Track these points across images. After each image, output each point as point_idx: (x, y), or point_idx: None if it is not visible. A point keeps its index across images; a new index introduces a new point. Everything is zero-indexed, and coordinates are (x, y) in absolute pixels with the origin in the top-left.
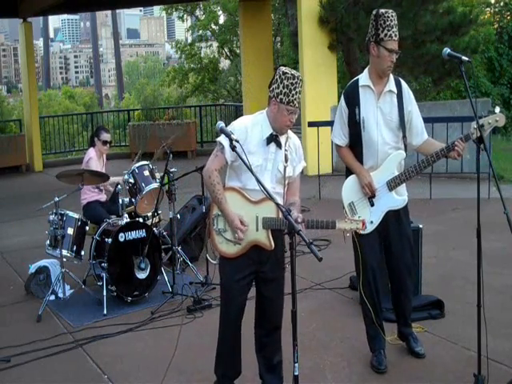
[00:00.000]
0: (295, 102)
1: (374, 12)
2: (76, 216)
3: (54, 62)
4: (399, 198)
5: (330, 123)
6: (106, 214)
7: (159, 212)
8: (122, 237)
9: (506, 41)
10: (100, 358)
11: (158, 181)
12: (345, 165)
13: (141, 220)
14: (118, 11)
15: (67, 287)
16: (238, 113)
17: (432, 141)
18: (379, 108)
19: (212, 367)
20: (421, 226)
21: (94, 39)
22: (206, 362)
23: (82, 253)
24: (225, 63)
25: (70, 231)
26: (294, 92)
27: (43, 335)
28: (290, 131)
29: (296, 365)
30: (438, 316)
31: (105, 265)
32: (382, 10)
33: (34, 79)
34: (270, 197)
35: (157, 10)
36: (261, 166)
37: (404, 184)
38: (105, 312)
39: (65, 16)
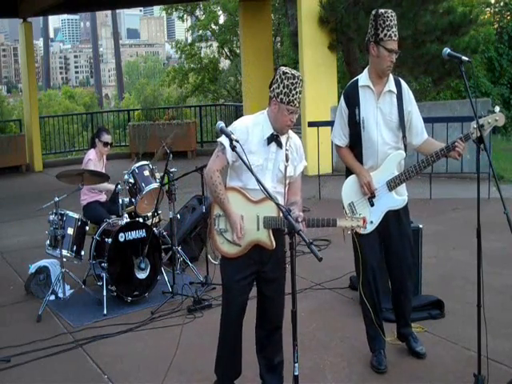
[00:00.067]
0: (296, 101)
1: (373, 12)
2: (76, 216)
3: (53, 62)
4: (399, 198)
5: (330, 123)
6: (106, 214)
7: (159, 212)
8: (121, 237)
9: (506, 41)
10: (100, 358)
11: (158, 181)
12: (345, 165)
13: (141, 220)
14: (118, 11)
15: (67, 287)
16: (238, 113)
17: (432, 140)
18: (379, 108)
19: (212, 367)
20: (421, 225)
21: (94, 39)
22: (206, 361)
23: (82, 253)
24: (225, 63)
25: (70, 231)
26: (294, 92)
27: (43, 335)
28: (290, 131)
29: (296, 365)
30: (438, 316)
31: (105, 265)
32: (382, 10)
33: (34, 79)
34: (269, 197)
35: (157, 9)
36: (262, 165)
37: (404, 184)
38: (105, 312)
39: (65, 16)
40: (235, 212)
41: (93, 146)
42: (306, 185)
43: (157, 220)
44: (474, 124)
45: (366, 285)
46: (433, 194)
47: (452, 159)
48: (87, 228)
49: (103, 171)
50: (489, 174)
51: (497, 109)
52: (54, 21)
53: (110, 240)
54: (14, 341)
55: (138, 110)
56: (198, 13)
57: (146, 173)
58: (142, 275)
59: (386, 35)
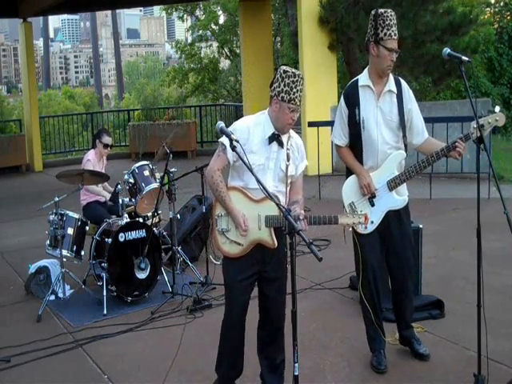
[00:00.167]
0: (296, 99)
1: (372, 12)
2: (76, 216)
3: (54, 62)
4: (399, 198)
5: (330, 123)
6: (107, 214)
7: (159, 212)
8: (122, 237)
9: (506, 41)
10: (100, 358)
11: (157, 181)
12: (345, 165)
13: (141, 220)
14: (118, 11)
15: (67, 287)
16: (238, 113)
17: (433, 140)
18: (379, 108)
19: (212, 367)
20: (421, 225)
21: (94, 39)
22: (206, 361)
23: (82, 253)
24: (225, 63)
25: (70, 231)
26: (295, 90)
27: (43, 335)
28: (291, 130)
29: (296, 365)
30: (438, 316)
31: (105, 265)
32: (381, 10)
33: (34, 79)
34: (269, 196)
35: (157, 9)
36: (263, 164)
37: (404, 184)
38: (105, 312)
39: (65, 16)
40: (237, 208)
41: (93, 146)
42: (306, 185)
43: (157, 220)
44: (474, 124)
45: (366, 285)
46: (433, 194)
47: (452, 159)
48: (87, 228)
49: (103, 172)
50: (489, 174)
51: (497, 109)
52: (54, 21)
53: (109, 240)
54: (14, 341)
55: (138, 110)
56: (198, 13)
57: (146, 173)
58: (141, 275)
59: (385, 34)
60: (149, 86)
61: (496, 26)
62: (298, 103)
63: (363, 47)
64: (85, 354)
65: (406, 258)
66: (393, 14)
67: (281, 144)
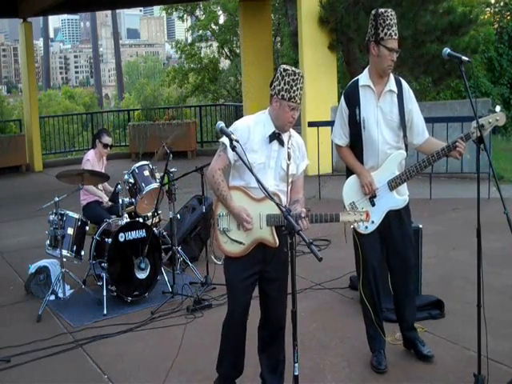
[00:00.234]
0: (297, 98)
1: (373, 12)
2: (76, 216)
3: (54, 62)
4: (400, 198)
5: (330, 123)
6: (107, 214)
7: (159, 212)
8: (122, 237)
9: (506, 41)
10: (100, 358)
11: (157, 181)
12: (345, 165)
13: (141, 220)
14: (118, 11)
15: (67, 287)
16: (238, 113)
17: (433, 140)
18: (379, 108)
19: (212, 367)
20: (421, 226)
21: (94, 39)
22: (206, 361)
23: (82, 253)
24: (225, 63)
25: (70, 231)
26: (295, 88)
27: (43, 335)
28: (292, 130)
29: (296, 365)
30: (438, 316)
31: (105, 265)
32: (382, 10)
33: (34, 79)
34: (269, 197)
35: (157, 9)
36: (264, 163)
37: (405, 184)
38: (105, 312)
39: (65, 16)
40: (238, 206)
41: (93, 146)
42: (306, 185)
43: (157, 220)
44: (474, 124)
45: (367, 285)
46: (433, 194)
47: (452, 159)
48: (87, 228)
49: (103, 172)
50: (489, 174)
51: (498, 108)
52: (54, 21)
53: (110, 240)
54: (14, 341)
55: (138, 110)
56: (198, 13)
57: (146, 173)
58: (141, 275)
59: (386, 34)
60: (149, 86)
61: (496, 25)
62: (299, 101)
63: (363, 47)
64: (85, 354)
65: (406, 257)
66: (393, 13)
67: (281, 143)
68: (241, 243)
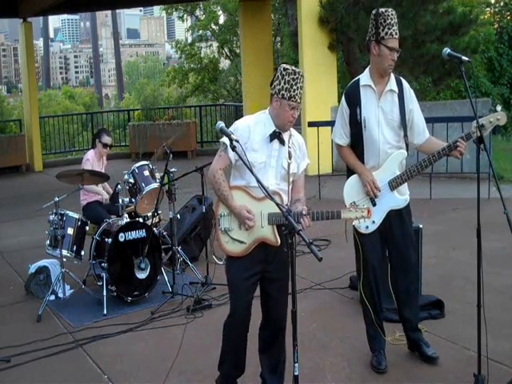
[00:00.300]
0: (297, 97)
1: (373, 11)
2: (76, 216)
3: (53, 62)
4: (401, 198)
5: (330, 123)
6: (106, 214)
7: (159, 212)
8: (122, 237)
9: (506, 41)
10: (100, 358)
11: (157, 181)
12: (346, 165)
13: (141, 220)
14: (118, 11)
15: (67, 287)
16: (238, 113)
17: (434, 140)
18: (380, 107)
19: (212, 367)
20: (421, 225)
21: (94, 39)
22: (206, 362)
23: (82, 253)
24: (225, 63)
25: (70, 231)
26: (295, 87)
27: (43, 335)
28: (292, 129)
29: (296, 365)
30: (438, 316)
31: (105, 265)
32: (382, 9)
33: (34, 79)
34: (269, 197)
35: (157, 9)
36: (265, 162)
37: (406, 183)
38: (105, 312)
39: (65, 16)
40: (239, 205)
41: (93, 146)
42: (306, 185)
43: (157, 220)
44: (475, 123)
45: (367, 284)
46: (433, 194)
47: (452, 159)
48: (87, 228)
49: (103, 171)
50: (489, 174)
51: (498, 108)
52: (54, 21)
53: (110, 240)
54: (14, 341)
55: (138, 110)
56: (198, 13)
57: (146, 173)
58: (141, 275)
59: (387, 33)
60: (149, 86)
61: (496, 25)
62: (299, 100)
63: (363, 47)
64: (85, 354)
65: (407, 257)
66: (394, 13)
67: (282, 142)
68: (242, 242)
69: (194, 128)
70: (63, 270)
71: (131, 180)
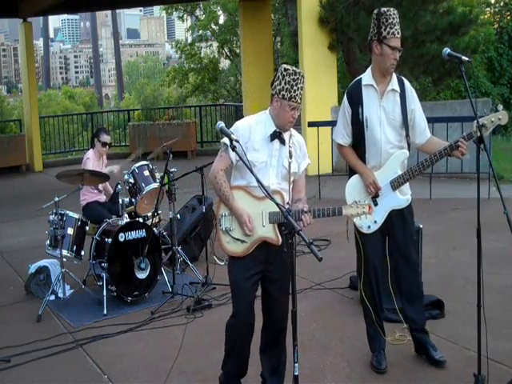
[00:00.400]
0: (297, 97)
1: (375, 11)
2: (76, 216)
3: (53, 62)
4: (403, 198)
5: (330, 123)
6: (107, 214)
7: (159, 212)
8: (121, 237)
9: (506, 41)
10: (100, 358)
11: (157, 181)
12: (347, 164)
13: (141, 220)
14: (118, 11)
15: (67, 287)
16: (238, 113)
17: (435, 139)
18: (382, 107)
19: (213, 367)
20: (421, 226)
21: (94, 39)
22: (206, 362)
23: (82, 253)
24: (225, 63)
25: (70, 231)
26: (295, 88)
27: (43, 335)
28: (292, 129)
29: (296, 365)
30: (438, 316)
31: (105, 265)
32: (384, 9)
33: (34, 79)
34: (269, 197)
35: (157, 9)
36: (266, 162)
37: (407, 183)
38: (105, 312)
39: (65, 16)
40: (241, 207)
41: (92, 145)
42: (306, 185)
43: (157, 220)
44: (476, 123)
45: (368, 284)
46: (433, 194)
47: (452, 159)
48: (87, 228)
49: (103, 171)
50: (489, 174)
51: (500, 107)
52: (54, 21)
53: (109, 240)
54: (14, 341)
55: (138, 110)
56: (198, 13)
57: (146, 173)
58: (141, 275)
59: (389, 33)
60: (149, 86)
61: (496, 25)
62: (299, 101)
63: (363, 47)
64: (85, 354)
65: (410, 257)
66: (395, 12)
67: (282, 141)
68: (244, 242)
69: (194, 128)
70: (63, 270)
71: (131, 180)
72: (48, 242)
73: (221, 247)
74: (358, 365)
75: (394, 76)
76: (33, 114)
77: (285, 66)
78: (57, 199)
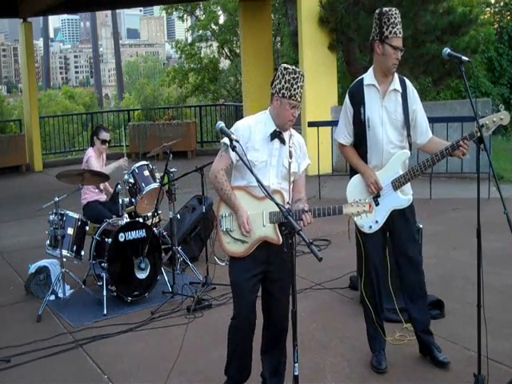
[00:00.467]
0: (297, 96)
1: (377, 11)
2: (76, 216)
3: (53, 62)
4: (404, 198)
5: (330, 123)
6: (108, 213)
7: (159, 212)
8: (121, 237)
9: (506, 41)
10: (100, 358)
11: (157, 181)
12: (349, 164)
13: (141, 220)
14: (118, 11)
15: (67, 287)
16: (238, 113)
17: (437, 139)
18: (384, 107)
19: (212, 367)
20: (421, 226)
21: (94, 39)
22: (206, 362)
23: (82, 253)
24: (225, 63)
25: (70, 231)
26: (295, 86)
27: (43, 335)
28: (292, 129)
29: (296, 365)
30: (438, 316)
31: (105, 265)
32: (386, 9)
33: (34, 79)
34: (269, 197)
35: (157, 9)
36: (266, 161)
37: (409, 183)
38: (105, 312)
39: (65, 16)
40: (243, 207)
41: (92, 144)
42: (306, 185)
43: (157, 220)
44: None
45: (368, 284)
46: (433, 194)
47: (452, 159)
48: (87, 228)
49: (103, 170)
50: (489, 174)
51: (502, 107)
52: (54, 21)
53: (109, 240)
54: (14, 341)
55: (138, 110)
56: (198, 13)
57: (146, 173)
58: (141, 275)
59: (391, 32)
60: (149, 86)
61: (496, 25)
62: (299, 99)
63: (363, 47)
64: (85, 354)
65: (411, 257)
66: (397, 12)
67: (283, 141)
68: (244, 242)
69: (194, 128)
70: (63, 270)
71: (131, 180)
72: (48, 241)
73: (221, 248)
74: (357, 365)
75: (396, 76)
76: (33, 114)
77: (285, 65)
78: (57, 199)
